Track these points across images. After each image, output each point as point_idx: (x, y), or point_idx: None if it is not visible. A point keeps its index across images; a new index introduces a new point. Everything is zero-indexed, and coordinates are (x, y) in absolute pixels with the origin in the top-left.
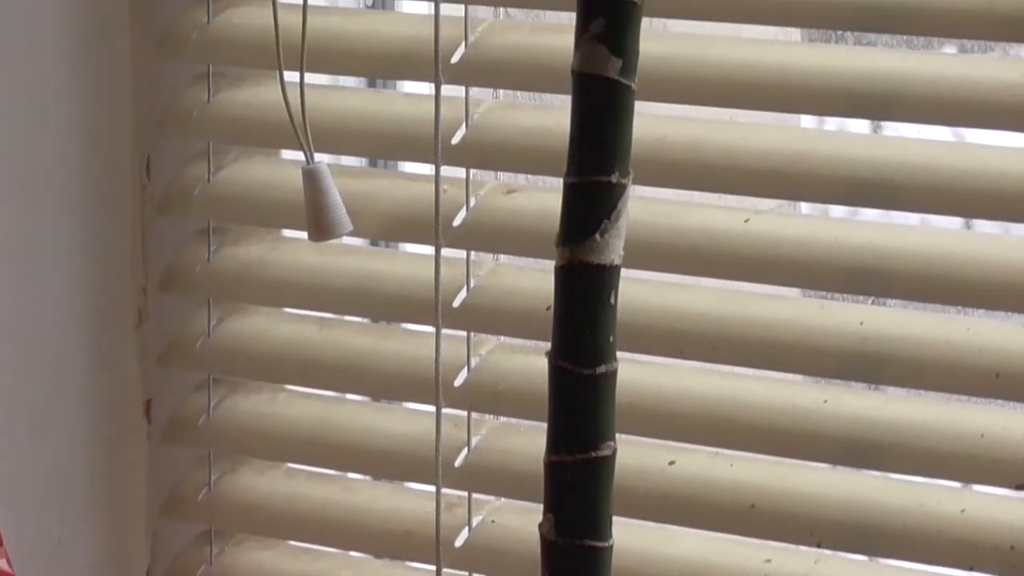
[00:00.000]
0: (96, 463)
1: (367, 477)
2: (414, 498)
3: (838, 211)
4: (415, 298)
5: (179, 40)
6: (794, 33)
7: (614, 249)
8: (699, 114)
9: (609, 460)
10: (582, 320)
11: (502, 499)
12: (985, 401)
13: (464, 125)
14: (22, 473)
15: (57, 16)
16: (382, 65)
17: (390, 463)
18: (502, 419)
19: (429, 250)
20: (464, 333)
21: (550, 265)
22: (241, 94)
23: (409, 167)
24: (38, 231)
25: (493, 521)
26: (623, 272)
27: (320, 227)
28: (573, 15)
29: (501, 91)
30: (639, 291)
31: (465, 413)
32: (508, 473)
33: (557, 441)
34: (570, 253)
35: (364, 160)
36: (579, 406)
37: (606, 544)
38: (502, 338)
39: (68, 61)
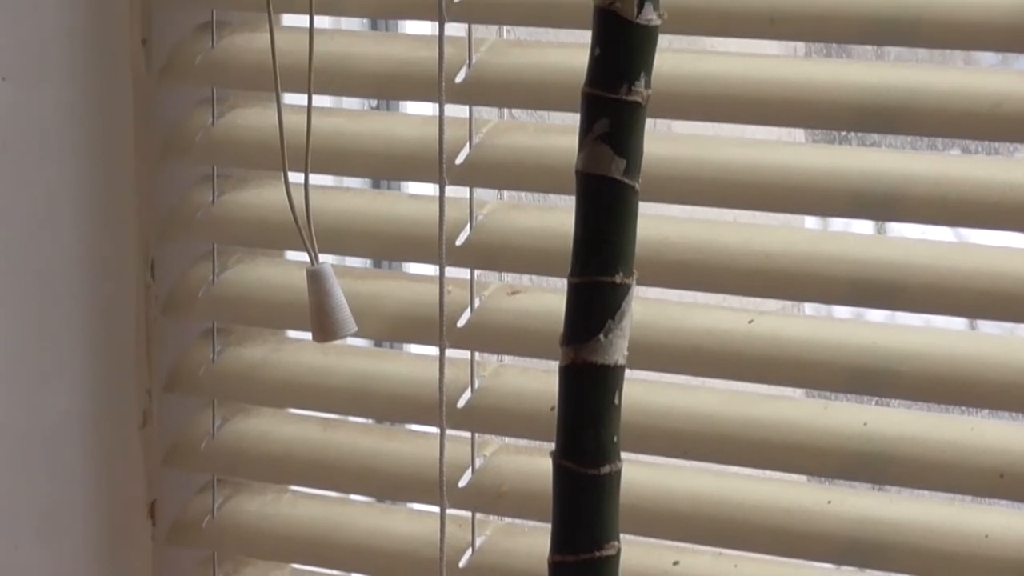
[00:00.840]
0: (101, 565)
1: None
2: None
3: (842, 311)
4: (419, 399)
5: (184, 142)
6: (798, 134)
7: (618, 349)
8: (703, 214)
9: (613, 560)
10: (586, 420)
11: None
12: (989, 501)
13: (468, 226)
14: (27, 575)
15: (61, 117)
16: (386, 166)
17: (395, 564)
18: (506, 519)
19: (433, 351)
20: (468, 434)
21: (554, 366)
22: (245, 195)
23: (413, 268)
24: (43, 332)
25: None
26: (627, 372)
27: (324, 328)
28: (577, 116)
29: (505, 191)
30: (643, 391)
31: (469, 514)
32: (512, 574)
33: (561, 541)
34: (574, 353)
35: (368, 261)
36: (583, 506)
37: None
38: (506, 439)
39: (72, 162)
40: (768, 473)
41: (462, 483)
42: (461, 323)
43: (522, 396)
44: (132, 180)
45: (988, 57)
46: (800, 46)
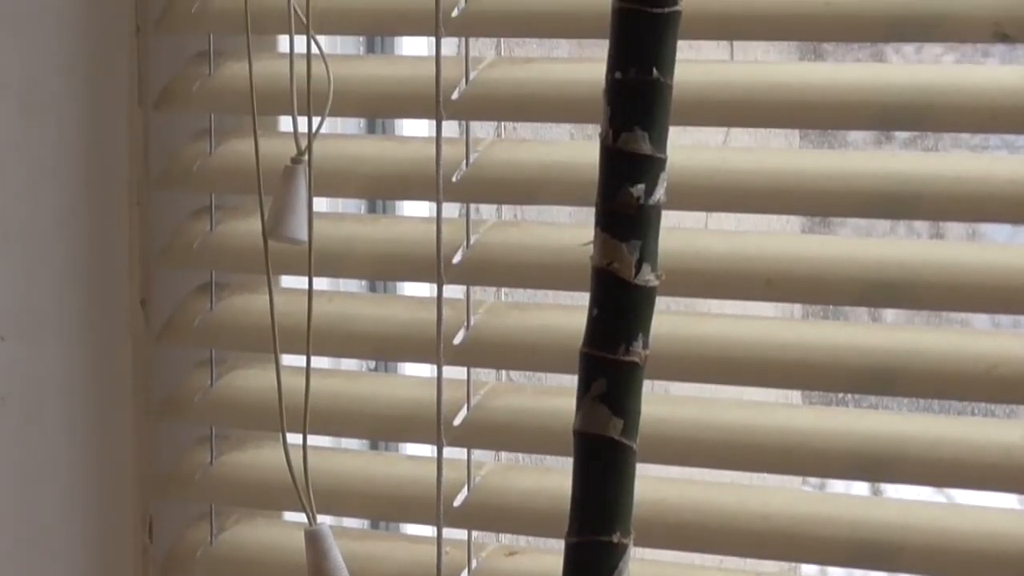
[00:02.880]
0: None
1: None
2: None
3: (838, 572)
4: None
5: (183, 402)
6: (794, 395)
7: None
8: (701, 476)
9: None
10: None
11: None
12: None
13: (466, 487)
14: None
15: (60, 376)
16: (384, 427)
17: None
18: None
19: None
20: None
21: None
22: (244, 456)
23: (411, 529)
24: None
25: None
26: None
27: None
28: (575, 377)
29: (503, 453)
30: None
31: None
32: None
33: None
34: None
35: (366, 522)
36: None
37: None
38: None
39: (71, 421)
40: None
41: None
42: None
43: None
44: (131, 439)
45: (983, 319)
46: (797, 308)
